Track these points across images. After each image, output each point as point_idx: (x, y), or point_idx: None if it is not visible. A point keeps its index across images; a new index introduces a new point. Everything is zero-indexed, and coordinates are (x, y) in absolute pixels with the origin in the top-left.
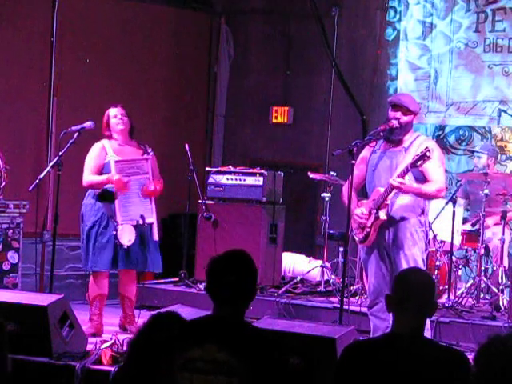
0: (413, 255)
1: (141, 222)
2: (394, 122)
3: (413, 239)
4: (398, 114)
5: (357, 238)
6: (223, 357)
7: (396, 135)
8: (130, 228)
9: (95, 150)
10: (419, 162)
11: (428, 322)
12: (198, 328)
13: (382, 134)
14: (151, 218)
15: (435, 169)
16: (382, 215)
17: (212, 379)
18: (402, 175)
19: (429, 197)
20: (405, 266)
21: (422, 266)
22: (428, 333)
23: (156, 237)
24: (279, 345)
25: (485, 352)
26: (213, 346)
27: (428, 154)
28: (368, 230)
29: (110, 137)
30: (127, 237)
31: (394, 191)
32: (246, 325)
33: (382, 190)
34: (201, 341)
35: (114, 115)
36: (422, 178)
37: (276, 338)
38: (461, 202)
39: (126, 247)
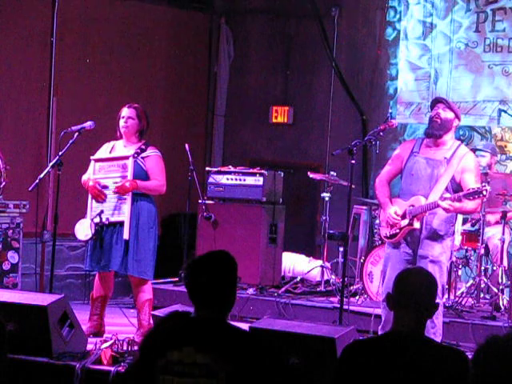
0: (439, 263)
1: (103, 218)
2: (436, 118)
3: (442, 247)
4: (440, 109)
5: (383, 232)
6: (202, 359)
7: (436, 130)
8: (89, 223)
9: (102, 147)
10: (473, 196)
11: (441, 322)
12: (176, 330)
13: (380, 133)
14: (121, 217)
15: (475, 185)
16: (417, 224)
17: (192, 382)
18: (453, 199)
19: (469, 213)
20: (430, 270)
21: (445, 273)
22: (438, 334)
23: (126, 235)
24: (265, 343)
25: (483, 352)
26: (191, 348)
27: (485, 192)
28: (397, 230)
29: (120, 136)
30: (84, 231)
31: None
32: (225, 326)
33: (422, 199)
34: (179, 343)
35: (122, 116)
36: (459, 189)
37: (263, 338)
38: None
39: (88, 245)
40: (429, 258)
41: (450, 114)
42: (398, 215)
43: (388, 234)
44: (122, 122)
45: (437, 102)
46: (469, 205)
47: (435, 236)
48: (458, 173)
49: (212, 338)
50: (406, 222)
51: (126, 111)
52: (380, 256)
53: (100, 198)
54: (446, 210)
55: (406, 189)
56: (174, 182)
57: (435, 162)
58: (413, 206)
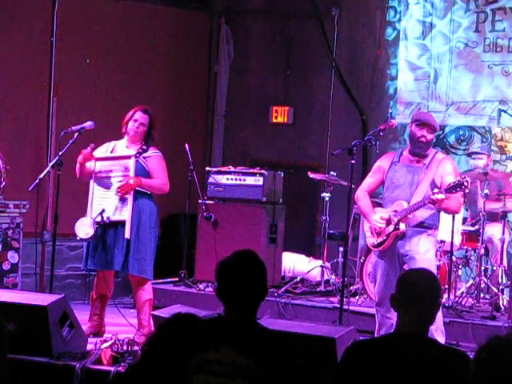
0: (428, 259)
1: (105, 217)
2: (422, 139)
3: (427, 245)
4: (425, 132)
5: (370, 242)
6: (241, 360)
7: (422, 150)
8: (90, 221)
9: (102, 146)
10: (455, 189)
11: (441, 323)
12: (211, 329)
13: (380, 133)
14: (123, 216)
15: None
16: (403, 227)
17: (229, 382)
18: (441, 192)
19: (451, 212)
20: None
21: (435, 270)
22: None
23: (127, 234)
24: (291, 346)
25: (485, 352)
26: (229, 348)
27: (466, 183)
28: (385, 237)
29: (124, 134)
30: (85, 230)
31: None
32: (258, 326)
33: (405, 204)
34: (216, 343)
35: (135, 119)
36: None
37: (288, 339)
38: None
39: (86, 243)
40: (416, 256)
41: (432, 136)
42: (383, 219)
43: (376, 243)
44: (132, 125)
45: (424, 124)
46: (453, 202)
47: (421, 229)
48: (438, 177)
49: (250, 340)
50: (391, 227)
51: (140, 116)
52: None
53: (86, 158)
54: (438, 201)
55: (389, 197)
56: (174, 182)
57: (415, 168)
58: (396, 211)
